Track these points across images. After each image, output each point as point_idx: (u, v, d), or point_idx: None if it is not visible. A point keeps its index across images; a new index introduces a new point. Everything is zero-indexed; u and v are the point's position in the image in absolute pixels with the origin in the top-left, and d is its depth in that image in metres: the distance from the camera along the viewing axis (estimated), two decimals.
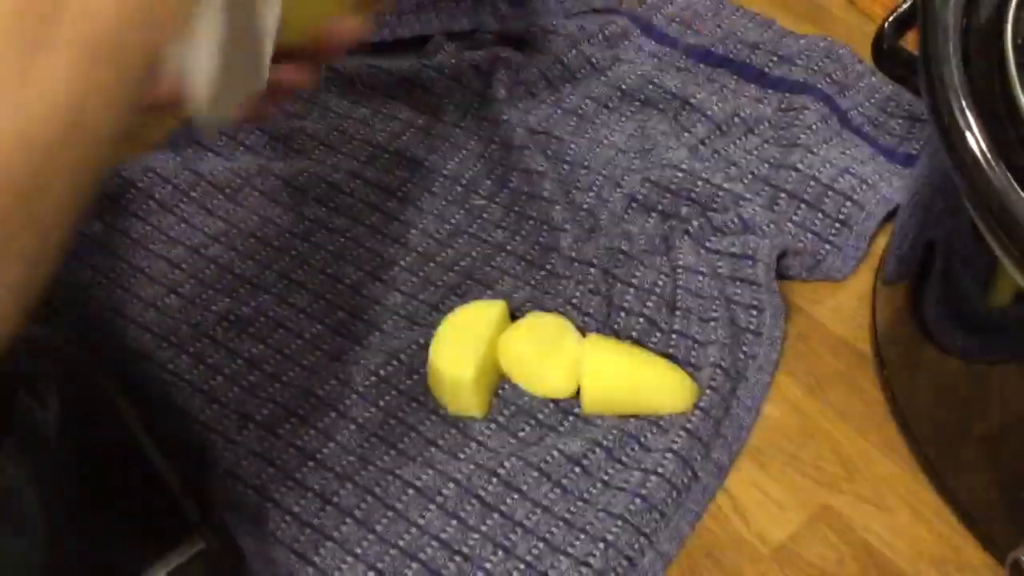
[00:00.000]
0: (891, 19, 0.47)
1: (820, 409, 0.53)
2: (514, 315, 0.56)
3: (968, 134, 0.37)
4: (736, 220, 0.59)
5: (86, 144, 0.29)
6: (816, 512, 0.49)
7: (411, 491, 0.50)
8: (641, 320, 0.55)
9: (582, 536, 0.48)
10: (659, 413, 0.52)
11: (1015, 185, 0.36)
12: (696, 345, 0.54)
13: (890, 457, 0.51)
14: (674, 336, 0.54)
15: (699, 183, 0.60)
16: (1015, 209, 0.36)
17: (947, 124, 0.38)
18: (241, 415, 0.53)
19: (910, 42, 0.47)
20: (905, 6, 0.47)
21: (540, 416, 0.53)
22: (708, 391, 0.52)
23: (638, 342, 0.55)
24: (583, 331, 0.55)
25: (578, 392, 0.53)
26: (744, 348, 0.54)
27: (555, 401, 0.53)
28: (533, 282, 0.58)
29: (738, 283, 0.57)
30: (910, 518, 0.49)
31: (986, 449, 0.47)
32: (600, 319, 0.56)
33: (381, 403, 0.53)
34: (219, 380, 0.55)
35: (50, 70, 0.27)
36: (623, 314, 0.56)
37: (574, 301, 0.57)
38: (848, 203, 0.59)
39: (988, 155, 0.37)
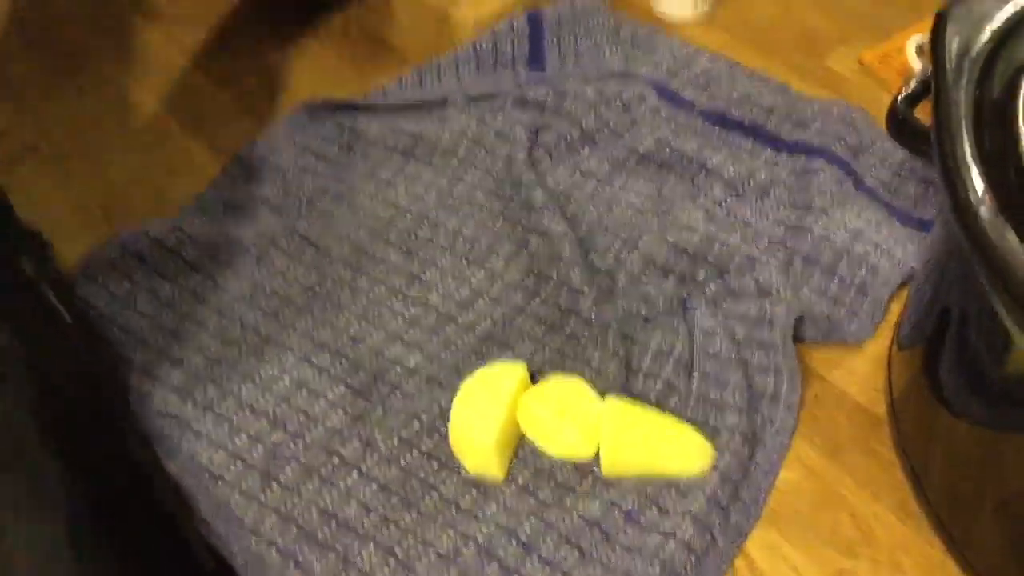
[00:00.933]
0: (903, 96, 0.48)
1: (836, 473, 0.53)
2: (534, 376, 0.57)
3: (981, 209, 0.38)
4: (752, 283, 0.60)
5: None
6: None
7: (432, 553, 0.50)
8: (659, 383, 0.56)
9: None
10: (678, 475, 0.52)
11: None
12: (714, 409, 0.55)
13: (905, 521, 0.51)
14: (692, 399, 0.55)
15: (716, 246, 0.61)
16: None
17: (960, 198, 0.39)
18: (265, 474, 0.54)
19: (924, 110, 0.48)
20: (916, 81, 0.49)
21: (559, 477, 0.53)
22: (726, 455, 0.52)
23: (657, 405, 0.55)
24: (602, 393, 0.55)
25: (597, 454, 0.53)
26: (762, 412, 0.55)
27: (574, 463, 0.54)
28: (553, 344, 0.59)
29: (755, 347, 0.57)
30: None
31: (1000, 515, 0.47)
32: (619, 382, 0.56)
33: (403, 463, 0.54)
34: (243, 439, 0.56)
35: None
36: (642, 377, 0.57)
37: (593, 363, 0.57)
38: (863, 268, 0.60)
39: (1001, 230, 0.38)
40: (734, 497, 0.52)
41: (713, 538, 0.50)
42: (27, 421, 0.50)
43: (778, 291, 0.59)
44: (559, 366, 0.58)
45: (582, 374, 0.57)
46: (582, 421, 0.53)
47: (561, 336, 0.60)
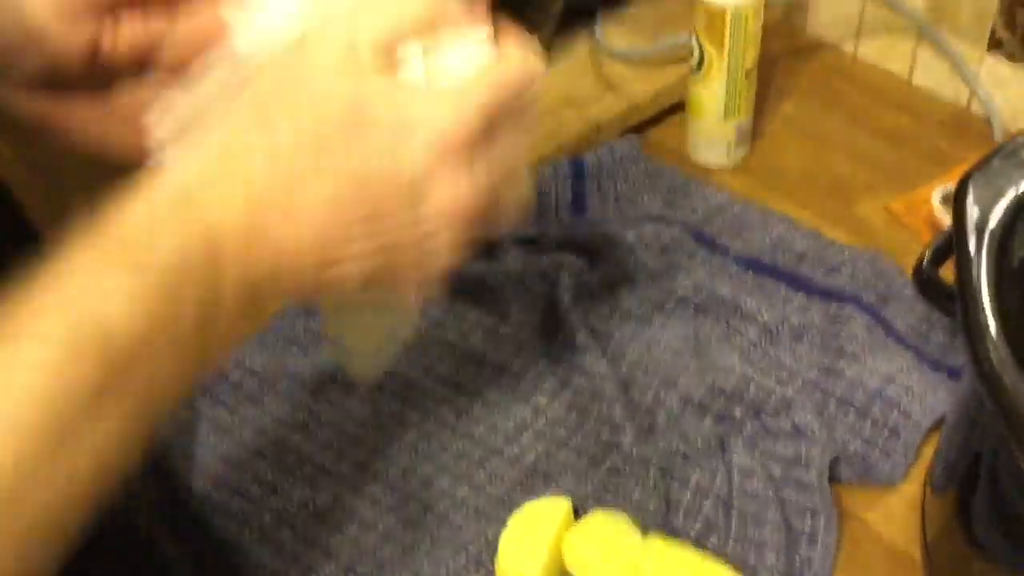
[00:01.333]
0: (929, 254, 0.52)
1: None
2: (578, 510, 0.59)
3: (1002, 370, 0.41)
4: (789, 424, 0.62)
5: None
6: None
7: None
8: (699, 521, 0.58)
9: None
10: None
11: None
12: (753, 547, 0.56)
13: None
14: (732, 538, 0.57)
15: (752, 387, 0.64)
16: None
17: (982, 360, 0.42)
18: None
19: (948, 267, 0.51)
20: (939, 242, 0.52)
21: None
22: None
23: (697, 542, 0.57)
24: (644, 529, 0.57)
25: None
26: (800, 553, 0.56)
27: None
28: (595, 478, 0.61)
29: (792, 486, 0.59)
30: None
31: None
32: (660, 517, 0.58)
33: None
34: (297, 570, 0.58)
35: None
36: (682, 514, 0.59)
37: (634, 498, 0.60)
38: (895, 411, 0.62)
39: (1021, 390, 0.40)
40: None
41: None
42: None
43: (813, 432, 0.61)
44: (601, 500, 0.60)
45: (624, 508, 0.59)
46: (625, 559, 0.55)
47: (603, 470, 0.62)
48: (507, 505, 0.60)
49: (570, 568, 0.56)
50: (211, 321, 0.37)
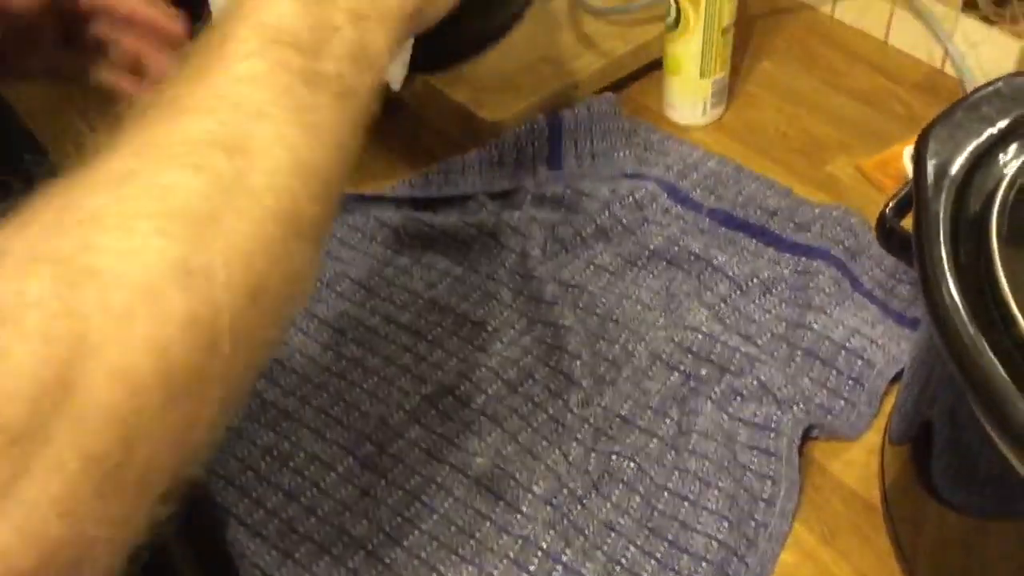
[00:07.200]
0: (891, 205, 0.52)
1: (832, 557, 0.55)
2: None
3: (955, 315, 0.41)
4: (755, 383, 0.62)
5: None
6: None
7: None
8: (619, 485, 0.59)
9: None
10: None
11: (996, 363, 0.40)
12: (695, 509, 0.57)
13: None
14: (660, 501, 0.58)
15: (718, 346, 0.64)
16: (998, 385, 0.39)
17: (937, 305, 0.42)
18: (281, 551, 0.56)
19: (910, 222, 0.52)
20: (903, 192, 0.52)
21: None
22: (703, 564, 0.54)
23: (617, 507, 0.58)
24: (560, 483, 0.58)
25: None
26: (756, 517, 0.57)
27: None
28: (535, 426, 0.62)
29: (755, 452, 0.59)
30: None
31: None
32: (579, 477, 0.59)
33: (405, 543, 0.57)
34: (261, 513, 0.58)
35: None
36: (606, 476, 0.59)
37: (560, 454, 0.60)
38: (859, 361, 0.63)
39: (972, 337, 0.41)
40: None
41: None
42: None
43: (781, 391, 0.61)
44: (531, 450, 0.61)
45: (546, 463, 0.60)
46: None
47: (542, 420, 0.62)
48: (457, 446, 0.61)
49: None
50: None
